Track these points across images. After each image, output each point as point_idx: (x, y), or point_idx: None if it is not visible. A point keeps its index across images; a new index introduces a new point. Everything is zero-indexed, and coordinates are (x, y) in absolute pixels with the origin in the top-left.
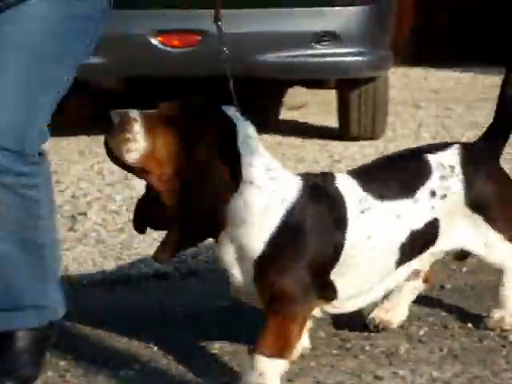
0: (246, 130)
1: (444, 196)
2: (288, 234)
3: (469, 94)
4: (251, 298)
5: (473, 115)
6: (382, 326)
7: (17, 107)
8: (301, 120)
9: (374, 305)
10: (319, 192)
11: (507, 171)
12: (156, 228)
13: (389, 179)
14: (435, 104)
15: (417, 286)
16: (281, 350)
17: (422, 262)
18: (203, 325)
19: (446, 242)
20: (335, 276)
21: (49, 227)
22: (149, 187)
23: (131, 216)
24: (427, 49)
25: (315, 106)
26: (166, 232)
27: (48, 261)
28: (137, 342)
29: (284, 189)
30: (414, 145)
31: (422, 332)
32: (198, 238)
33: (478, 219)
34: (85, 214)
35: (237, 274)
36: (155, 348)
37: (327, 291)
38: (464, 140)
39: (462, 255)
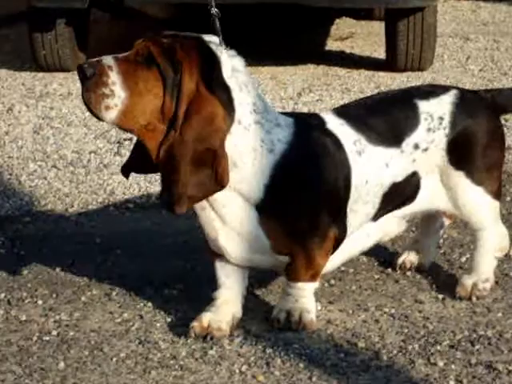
0: (233, 62)
1: (426, 149)
2: (291, 173)
3: None
4: (256, 254)
5: None
6: (412, 269)
7: None
8: (348, 51)
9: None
10: (313, 132)
11: None
12: (140, 172)
13: (378, 123)
14: (484, 36)
15: (440, 225)
16: (312, 276)
17: (395, 223)
18: None
19: (424, 202)
20: None
21: None
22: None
23: None
24: None
25: (363, 37)
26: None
27: None
28: (181, 263)
29: (274, 131)
30: (461, 77)
31: (463, 259)
32: (204, 190)
33: (458, 176)
34: (130, 139)
35: (236, 226)
36: (199, 269)
37: (340, 228)
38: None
39: None
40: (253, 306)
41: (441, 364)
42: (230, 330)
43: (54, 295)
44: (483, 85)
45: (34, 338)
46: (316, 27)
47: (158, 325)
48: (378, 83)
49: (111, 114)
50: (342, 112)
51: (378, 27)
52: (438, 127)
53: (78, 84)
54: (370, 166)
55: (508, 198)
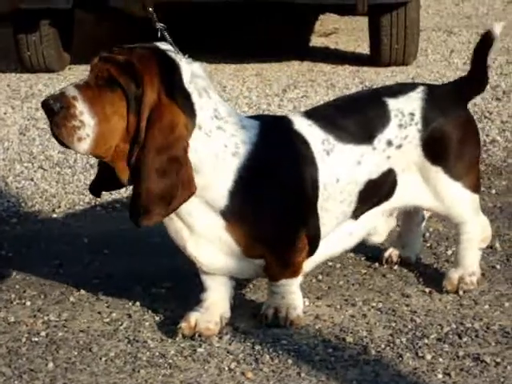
0: (192, 68)
1: (400, 146)
2: (256, 175)
3: (501, 19)
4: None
5: (504, 41)
6: (398, 263)
7: None
8: (332, 47)
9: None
10: (279, 133)
11: None
12: (110, 190)
13: (348, 123)
14: (467, 30)
15: (421, 218)
16: (292, 273)
17: (375, 221)
18: None
19: (402, 198)
20: None
21: None
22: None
23: None
24: None
25: (347, 32)
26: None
27: None
28: (169, 262)
29: (238, 133)
30: (445, 71)
31: (449, 252)
32: (172, 199)
33: (436, 171)
34: None
35: (204, 234)
36: (186, 267)
37: (311, 227)
38: (496, 66)
39: None
40: (241, 303)
41: (428, 357)
42: (219, 330)
43: (43, 296)
44: None
45: (23, 339)
46: (300, 24)
47: (147, 324)
48: (363, 78)
49: (84, 145)
50: (310, 113)
51: (362, 23)
52: (410, 123)
53: (63, 85)
54: (341, 165)
55: (493, 191)
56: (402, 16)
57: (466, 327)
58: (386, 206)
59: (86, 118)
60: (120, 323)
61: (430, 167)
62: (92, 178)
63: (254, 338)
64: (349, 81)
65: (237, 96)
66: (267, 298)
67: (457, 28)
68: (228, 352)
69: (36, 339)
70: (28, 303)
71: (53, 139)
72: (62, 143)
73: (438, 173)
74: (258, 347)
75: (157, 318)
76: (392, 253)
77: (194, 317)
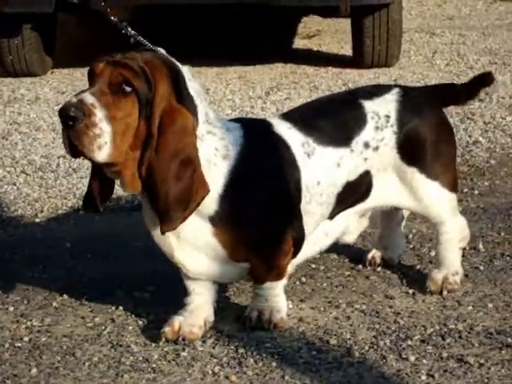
0: (187, 73)
1: (376, 148)
2: (243, 176)
3: (483, 20)
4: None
5: (487, 42)
6: (382, 264)
7: None
8: (315, 49)
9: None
10: (261, 136)
11: None
12: (106, 201)
13: (326, 125)
14: (450, 31)
15: (401, 217)
16: (277, 275)
17: (355, 221)
18: None
19: (378, 199)
20: None
21: None
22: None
23: None
24: None
25: (330, 34)
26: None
27: None
28: (152, 266)
29: (226, 136)
30: (428, 72)
31: (433, 253)
32: (191, 201)
33: (412, 172)
34: None
35: (191, 240)
36: (170, 271)
37: (297, 229)
38: (478, 67)
39: None
40: (224, 306)
41: (412, 359)
42: (202, 333)
43: (26, 301)
44: (450, 79)
45: (6, 345)
46: (283, 26)
47: (130, 328)
48: (346, 80)
49: (104, 153)
50: (288, 116)
51: (345, 24)
52: (386, 125)
53: (46, 89)
54: (321, 167)
55: (476, 192)
56: (385, 17)
57: (450, 328)
58: (361, 207)
59: (104, 125)
60: (103, 328)
61: (406, 168)
62: (75, 182)
63: (237, 342)
64: (332, 83)
65: (220, 99)
66: (251, 301)
67: (439, 29)
68: (212, 356)
69: (19, 344)
70: (11, 308)
71: (35, 143)
72: (77, 153)
73: (414, 173)
74: (241, 350)
75: (140, 323)
76: (375, 254)
77: (177, 321)
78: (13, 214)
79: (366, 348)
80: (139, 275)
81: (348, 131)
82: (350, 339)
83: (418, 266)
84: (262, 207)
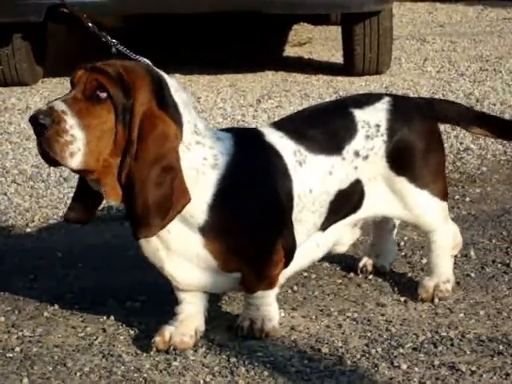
0: (173, 82)
1: (366, 157)
2: (234, 185)
3: (474, 27)
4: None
5: (478, 49)
6: (373, 272)
7: None
8: (306, 56)
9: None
10: (253, 145)
11: None
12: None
13: (318, 134)
14: (441, 38)
15: (392, 225)
16: (269, 285)
17: (347, 232)
18: None
19: (369, 209)
20: None
21: None
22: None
23: None
24: None
25: (320, 42)
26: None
27: None
28: (143, 276)
29: (215, 145)
30: (418, 79)
31: (424, 260)
32: (170, 209)
33: (402, 181)
34: None
35: (181, 251)
36: (161, 281)
37: (288, 238)
38: (469, 74)
39: None
40: (216, 315)
41: (404, 367)
42: (194, 343)
43: (17, 311)
44: (441, 86)
45: None
46: (274, 34)
47: (122, 338)
48: (337, 88)
49: (76, 160)
50: (279, 125)
51: (336, 32)
52: (376, 134)
53: (37, 98)
54: (313, 175)
55: (467, 199)
56: (375, 25)
57: (442, 336)
58: (354, 218)
59: (76, 132)
60: (95, 337)
61: (395, 178)
62: (65, 191)
63: (229, 351)
64: (323, 90)
65: (211, 107)
66: (243, 310)
67: (430, 36)
68: (203, 365)
69: (10, 355)
70: (2, 318)
71: (26, 153)
72: (51, 160)
73: (404, 183)
74: (233, 359)
75: (131, 332)
76: (366, 262)
77: (168, 330)
78: (3, 224)
79: (358, 356)
80: (130, 285)
81: (339, 140)
82: (341, 347)
83: (410, 274)
84: (253, 217)
